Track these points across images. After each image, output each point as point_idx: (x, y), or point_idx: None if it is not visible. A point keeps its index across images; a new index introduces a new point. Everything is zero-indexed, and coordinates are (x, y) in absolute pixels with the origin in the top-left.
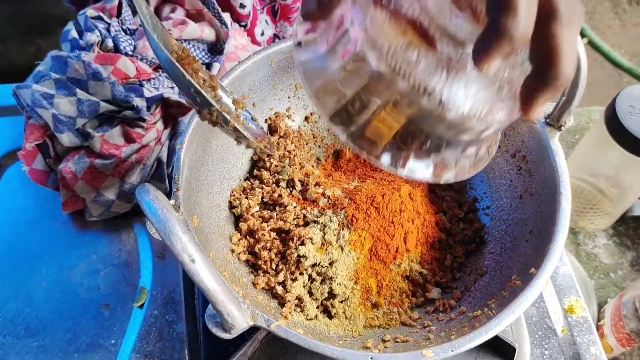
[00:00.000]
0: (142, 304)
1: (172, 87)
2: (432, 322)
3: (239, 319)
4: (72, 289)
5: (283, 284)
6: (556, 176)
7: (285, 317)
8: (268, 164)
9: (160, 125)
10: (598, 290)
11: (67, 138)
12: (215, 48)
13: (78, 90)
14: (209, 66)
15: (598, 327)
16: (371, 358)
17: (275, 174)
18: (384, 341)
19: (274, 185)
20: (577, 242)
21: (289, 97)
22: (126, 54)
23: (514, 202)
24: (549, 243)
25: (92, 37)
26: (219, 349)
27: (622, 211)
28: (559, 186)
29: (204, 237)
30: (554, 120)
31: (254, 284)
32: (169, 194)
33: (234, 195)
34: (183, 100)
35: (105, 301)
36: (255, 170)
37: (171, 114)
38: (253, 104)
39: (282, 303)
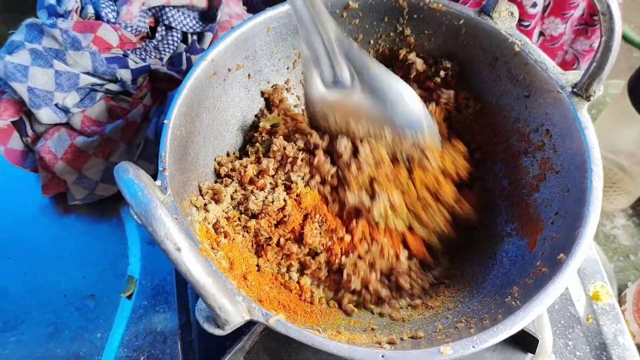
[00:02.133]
0: (131, 294)
1: (161, 58)
2: (447, 311)
3: (233, 314)
4: (53, 279)
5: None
6: (585, 151)
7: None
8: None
9: (147, 100)
10: (617, 274)
11: (45, 114)
12: (207, 16)
13: (55, 62)
14: (200, 36)
15: None
16: (383, 356)
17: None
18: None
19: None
20: None
21: (287, 69)
22: (108, 22)
23: (536, 180)
24: (580, 226)
25: (71, 3)
26: (214, 343)
27: None
28: (588, 162)
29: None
30: (583, 90)
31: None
32: (155, 175)
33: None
34: (173, 73)
35: (90, 291)
36: (248, 146)
37: (160, 88)
38: (248, 75)
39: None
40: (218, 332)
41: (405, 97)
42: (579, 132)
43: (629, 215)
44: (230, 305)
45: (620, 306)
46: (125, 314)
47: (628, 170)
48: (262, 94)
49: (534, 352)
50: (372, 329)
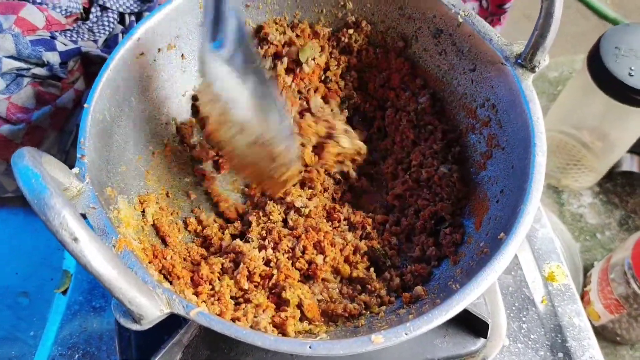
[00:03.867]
0: (65, 290)
1: (95, 40)
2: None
3: (148, 307)
4: None
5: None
6: (529, 125)
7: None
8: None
9: (80, 84)
10: (584, 254)
11: None
12: None
13: None
14: (139, 15)
15: (584, 294)
16: (310, 347)
17: None
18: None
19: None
20: (560, 202)
21: None
22: (33, 2)
23: (483, 158)
24: (521, 203)
25: None
26: (152, 339)
27: (609, 166)
28: (532, 137)
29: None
30: (527, 60)
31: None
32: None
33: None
34: (106, 55)
35: (23, 288)
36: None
37: (94, 72)
38: (182, 55)
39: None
40: (136, 327)
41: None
42: (523, 105)
43: (595, 193)
44: (144, 298)
45: (586, 287)
46: (60, 310)
47: (591, 147)
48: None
49: (485, 337)
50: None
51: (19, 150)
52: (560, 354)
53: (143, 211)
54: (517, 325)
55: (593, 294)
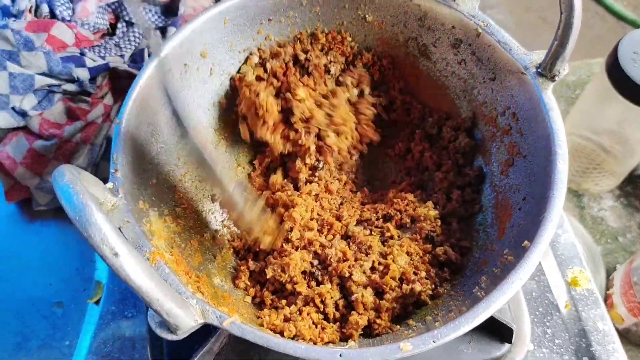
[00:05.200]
0: (98, 300)
1: (122, 56)
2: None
3: (183, 318)
4: (20, 286)
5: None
6: (550, 134)
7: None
8: None
9: (109, 99)
10: (606, 257)
11: (1, 119)
12: (170, 10)
13: (8, 64)
14: (163, 30)
15: (607, 297)
16: (340, 355)
17: None
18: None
19: None
20: (581, 206)
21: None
22: (63, 20)
23: (504, 167)
24: (544, 211)
25: (24, 3)
26: (183, 346)
27: (629, 170)
28: (553, 145)
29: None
30: (547, 70)
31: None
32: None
33: None
34: (134, 71)
35: (58, 298)
36: None
37: (121, 86)
38: (210, 68)
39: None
40: (171, 337)
41: None
42: (543, 114)
43: (616, 197)
44: (179, 309)
45: (608, 290)
46: (93, 320)
47: (610, 151)
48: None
49: (510, 342)
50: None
51: (59, 168)
52: (586, 359)
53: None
54: (541, 330)
55: (616, 297)
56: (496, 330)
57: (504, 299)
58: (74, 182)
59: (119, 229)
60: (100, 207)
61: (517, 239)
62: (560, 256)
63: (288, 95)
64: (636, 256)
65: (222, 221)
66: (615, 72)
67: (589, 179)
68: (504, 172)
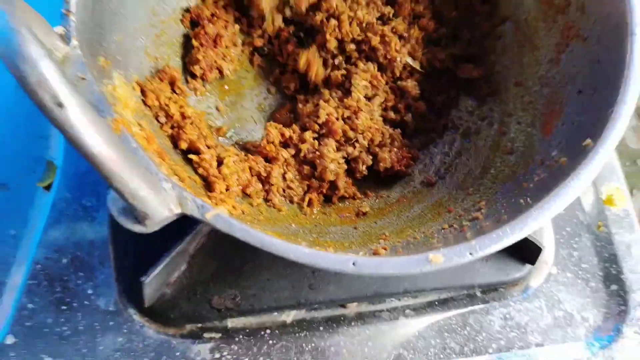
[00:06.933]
0: (49, 185)
1: None
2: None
3: (155, 204)
4: None
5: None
6: (625, 11)
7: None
8: None
9: None
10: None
11: None
12: None
13: None
14: None
15: None
16: (354, 263)
17: None
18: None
19: None
20: None
21: None
22: None
23: (553, 53)
24: (613, 104)
25: None
26: (151, 245)
27: None
28: (630, 24)
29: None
30: None
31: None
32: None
33: None
34: None
35: (2, 180)
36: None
37: None
38: None
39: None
40: (138, 228)
41: None
42: None
43: (639, 116)
44: (150, 191)
45: None
46: (44, 208)
47: None
48: None
49: (533, 263)
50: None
51: None
52: (614, 286)
53: (143, 93)
54: (566, 253)
55: None
56: (518, 249)
57: (559, 206)
58: (8, 9)
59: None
60: (38, 40)
61: (571, 138)
62: None
63: None
64: None
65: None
66: None
67: None
68: (554, 59)
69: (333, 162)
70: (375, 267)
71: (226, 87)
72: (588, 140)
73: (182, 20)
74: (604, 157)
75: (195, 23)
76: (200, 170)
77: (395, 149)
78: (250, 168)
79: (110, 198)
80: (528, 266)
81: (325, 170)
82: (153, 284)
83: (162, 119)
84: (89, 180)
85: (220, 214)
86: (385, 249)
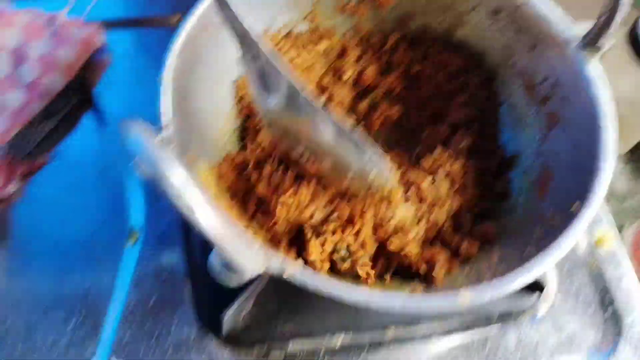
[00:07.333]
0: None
1: None
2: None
3: (253, 263)
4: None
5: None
6: (593, 107)
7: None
8: None
9: None
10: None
11: None
12: None
13: None
14: None
15: None
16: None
17: None
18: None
19: None
20: None
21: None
22: None
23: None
24: (595, 171)
25: None
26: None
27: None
28: (598, 118)
29: None
30: (591, 43)
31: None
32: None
33: None
34: None
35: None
36: None
37: None
38: None
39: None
40: (234, 284)
41: None
42: (586, 86)
43: (625, 161)
44: (249, 252)
45: None
46: (130, 265)
47: (624, 118)
48: None
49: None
50: None
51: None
52: (609, 312)
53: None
54: (568, 285)
55: None
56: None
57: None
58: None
59: None
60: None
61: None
62: None
63: None
64: None
65: None
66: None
67: None
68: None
69: None
70: (417, 306)
71: None
72: (577, 202)
73: None
74: (590, 216)
75: None
76: None
77: None
78: None
79: (211, 262)
80: (537, 294)
81: None
82: (230, 319)
83: None
84: (166, 242)
85: (298, 272)
86: None
